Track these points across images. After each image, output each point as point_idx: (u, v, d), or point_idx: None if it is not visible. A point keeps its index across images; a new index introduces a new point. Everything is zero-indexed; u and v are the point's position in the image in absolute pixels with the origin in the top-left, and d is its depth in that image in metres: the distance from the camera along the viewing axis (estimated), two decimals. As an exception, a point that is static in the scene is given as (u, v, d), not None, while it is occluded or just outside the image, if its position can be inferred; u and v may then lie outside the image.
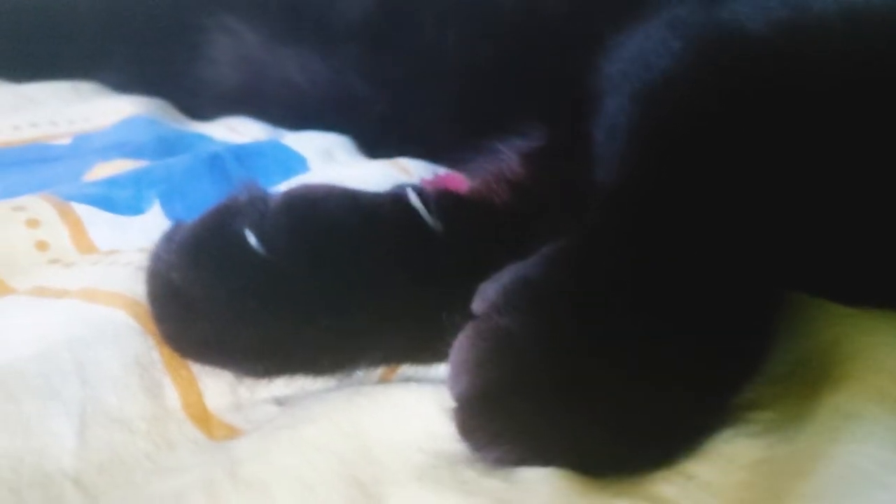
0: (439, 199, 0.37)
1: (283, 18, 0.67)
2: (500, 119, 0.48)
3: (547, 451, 0.30)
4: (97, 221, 0.44)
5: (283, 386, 0.35)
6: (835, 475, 0.25)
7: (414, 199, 0.36)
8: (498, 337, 0.30)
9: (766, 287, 0.32)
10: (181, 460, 0.31)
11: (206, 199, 0.43)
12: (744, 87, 0.33)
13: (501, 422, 0.30)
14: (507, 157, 0.46)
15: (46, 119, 0.63)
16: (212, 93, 0.70)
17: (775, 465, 0.28)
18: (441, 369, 0.36)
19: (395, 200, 0.36)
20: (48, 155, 0.58)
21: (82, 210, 0.44)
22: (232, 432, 0.33)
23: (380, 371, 0.36)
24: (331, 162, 0.57)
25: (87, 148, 0.59)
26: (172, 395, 0.33)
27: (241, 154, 0.54)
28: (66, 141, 0.61)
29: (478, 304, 0.32)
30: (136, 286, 0.35)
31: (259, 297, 0.32)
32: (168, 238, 0.33)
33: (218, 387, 0.34)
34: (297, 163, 0.55)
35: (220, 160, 0.52)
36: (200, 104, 0.70)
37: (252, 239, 0.33)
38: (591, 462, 0.30)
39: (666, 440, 0.30)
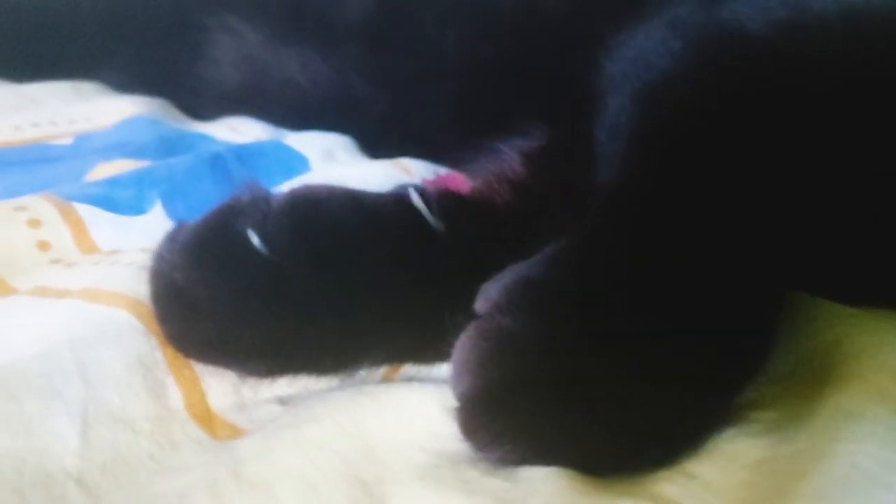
0: (441, 199, 0.37)
1: (285, 18, 0.67)
2: (500, 119, 0.48)
3: (549, 451, 0.30)
4: (99, 221, 0.44)
5: (286, 386, 0.35)
6: (837, 475, 0.25)
7: (416, 199, 0.36)
8: (500, 337, 0.30)
9: (768, 287, 0.32)
10: (184, 460, 0.31)
11: (207, 199, 0.43)
12: (744, 87, 0.33)
13: (503, 421, 0.30)
14: (509, 157, 0.46)
15: (47, 119, 0.63)
16: (213, 92, 0.70)
17: (777, 465, 0.28)
18: (443, 369, 0.36)
19: (397, 201, 0.36)
20: (49, 155, 0.59)
21: (84, 210, 0.44)
22: (235, 432, 0.33)
23: (382, 371, 0.36)
24: (332, 162, 0.57)
25: (88, 148, 0.60)
26: (176, 395, 0.33)
27: (243, 154, 0.54)
28: (68, 141, 0.61)
29: (480, 304, 0.32)
30: (139, 286, 0.35)
31: (262, 297, 0.32)
32: (171, 238, 0.33)
33: (221, 387, 0.34)
34: (298, 163, 0.55)
35: (221, 160, 0.53)
36: (202, 104, 0.70)
37: (255, 239, 0.33)
38: (593, 462, 0.30)
39: (668, 440, 0.30)
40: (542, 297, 0.31)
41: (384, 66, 0.61)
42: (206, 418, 0.33)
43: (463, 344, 0.31)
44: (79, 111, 0.65)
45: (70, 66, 0.74)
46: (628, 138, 0.37)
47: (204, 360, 0.34)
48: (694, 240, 0.32)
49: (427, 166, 0.55)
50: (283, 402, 0.34)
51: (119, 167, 0.53)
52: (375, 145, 0.61)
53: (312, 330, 0.33)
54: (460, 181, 0.49)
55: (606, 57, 0.41)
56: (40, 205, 0.43)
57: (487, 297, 0.32)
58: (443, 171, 0.55)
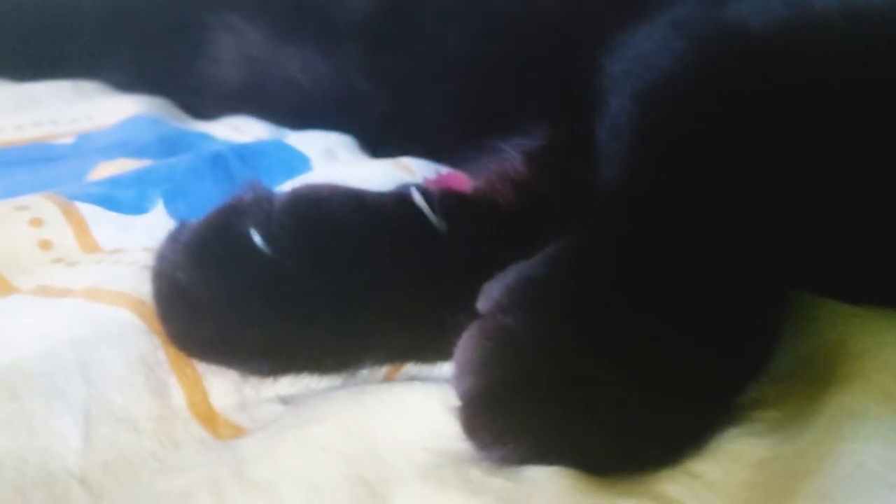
0: (443, 198, 0.37)
1: (286, 17, 0.67)
2: (502, 118, 0.48)
3: (551, 450, 0.30)
4: (101, 221, 0.44)
5: (288, 385, 0.35)
6: (841, 475, 0.25)
7: (418, 198, 0.36)
8: (502, 336, 0.30)
9: (771, 286, 0.32)
10: (187, 460, 0.31)
11: (209, 198, 0.43)
12: (745, 87, 0.33)
13: (506, 421, 0.30)
14: (510, 156, 0.46)
15: (49, 118, 0.63)
16: (214, 91, 0.70)
17: (780, 465, 0.28)
18: (445, 368, 0.36)
19: (399, 200, 0.36)
20: (51, 154, 0.59)
21: (86, 209, 0.44)
22: (237, 431, 0.33)
23: (384, 370, 0.36)
24: (334, 161, 0.57)
25: (90, 147, 0.60)
26: (178, 395, 0.33)
27: (245, 153, 0.54)
28: (69, 140, 0.61)
29: (482, 304, 0.32)
30: (141, 285, 0.35)
31: (264, 296, 0.32)
32: (173, 238, 0.33)
33: (223, 386, 0.34)
34: (300, 162, 0.55)
35: (223, 159, 0.52)
36: (203, 103, 0.70)
37: (257, 238, 0.33)
38: (595, 461, 0.30)
39: (670, 439, 0.30)
40: (545, 296, 0.31)
41: (385, 65, 0.61)
42: (208, 418, 0.33)
43: (465, 343, 0.31)
44: (80, 110, 0.66)
45: (71, 65, 0.74)
46: (630, 138, 0.37)
47: (206, 360, 0.34)
48: (696, 239, 0.32)
49: (428, 165, 0.55)
50: (285, 401, 0.34)
51: (121, 166, 0.53)
52: (376, 144, 0.61)
53: (315, 329, 0.33)
54: (462, 180, 0.49)
55: (608, 56, 0.41)
56: (42, 204, 0.43)
57: (489, 296, 0.32)
58: (444, 170, 0.55)
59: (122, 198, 0.46)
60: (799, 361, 0.33)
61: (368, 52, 0.62)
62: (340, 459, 0.30)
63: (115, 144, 0.59)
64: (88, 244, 0.43)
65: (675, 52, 0.37)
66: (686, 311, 0.31)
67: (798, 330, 0.34)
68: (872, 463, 0.26)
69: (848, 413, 0.28)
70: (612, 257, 0.32)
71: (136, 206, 0.46)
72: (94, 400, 0.31)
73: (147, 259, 0.35)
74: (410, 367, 0.37)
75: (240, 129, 0.64)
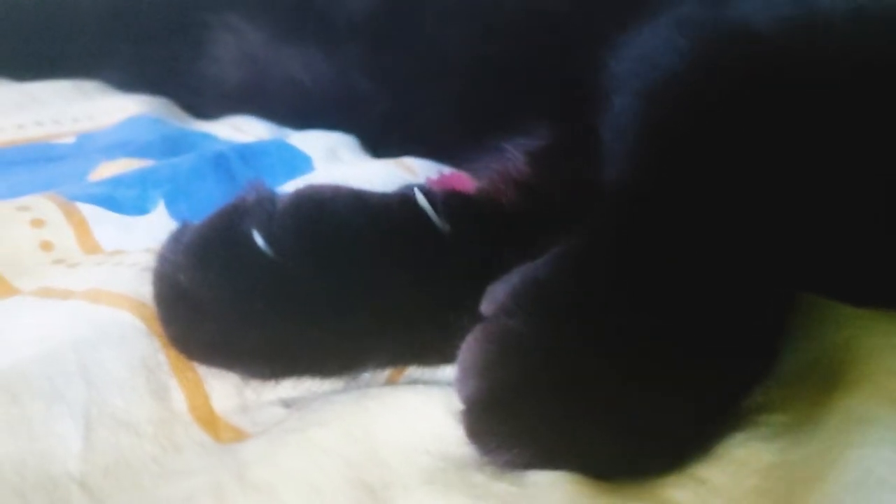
0: (447, 199, 0.37)
1: (286, 16, 0.67)
2: (504, 118, 0.48)
3: (556, 455, 0.30)
4: (102, 221, 0.44)
5: (290, 388, 0.34)
6: (849, 481, 0.25)
7: (421, 199, 0.36)
8: (506, 339, 0.30)
9: (776, 287, 0.32)
10: (188, 463, 0.31)
11: (210, 199, 0.43)
12: (750, 87, 0.33)
13: (510, 425, 0.29)
14: (513, 157, 0.45)
15: (51, 118, 0.63)
16: (215, 91, 0.69)
17: (788, 470, 0.28)
18: (448, 371, 0.35)
19: (402, 201, 0.36)
20: (52, 154, 0.58)
21: (87, 210, 0.44)
22: (239, 435, 0.33)
23: (387, 373, 0.36)
24: (336, 161, 0.57)
25: (91, 147, 0.59)
26: (179, 398, 0.33)
27: (246, 153, 0.54)
28: (71, 140, 0.61)
29: (486, 306, 0.31)
30: (142, 287, 0.34)
31: (266, 298, 0.32)
32: (175, 239, 0.33)
33: (224, 389, 0.34)
34: (302, 162, 0.55)
35: (224, 160, 0.52)
36: (204, 102, 0.70)
37: (259, 240, 0.32)
38: (601, 466, 0.29)
39: (676, 444, 0.30)
40: (550, 298, 0.31)
41: (386, 64, 0.61)
42: (209, 421, 0.33)
43: (469, 346, 0.30)
44: (81, 110, 0.65)
45: (72, 64, 0.74)
46: (634, 137, 0.36)
47: (207, 363, 0.34)
48: (702, 240, 0.31)
49: (431, 165, 0.55)
50: (286, 404, 0.34)
51: (122, 166, 0.53)
52: (377, 144, 0.61)
53: (316, 332, 0.33)
54: (465, 181, 0.49)
55: (611, 56, 0.41)
56: (43, 205, 0.43)
57: (494, 298, 0.31)
58: (447, 170, 0.55)
59: (123, 198, 0.46)
60: (805, 365, 0.33)
61: (369, 52, 0.62)
62: (342, 463, 0.30)
63: (117, 144, 0.59)
64: (89, 245, 0.43)
65: (681, 51, 0.37)
66: (693, 313, 0.30)
67: (803, 333, 0.34)
68: (882, 468, 0.25)
69: (856, 418, 0.28)
70: (619, 259, 0.32)
71: (138, 207, 0.46)
72: (94, 402, 0.31)
73: (148, 260, 0.34)
74: (413, 371, 0.36)
75: (241, 129, 0.64)
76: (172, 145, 0.59)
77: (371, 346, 0.35)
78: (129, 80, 0.72)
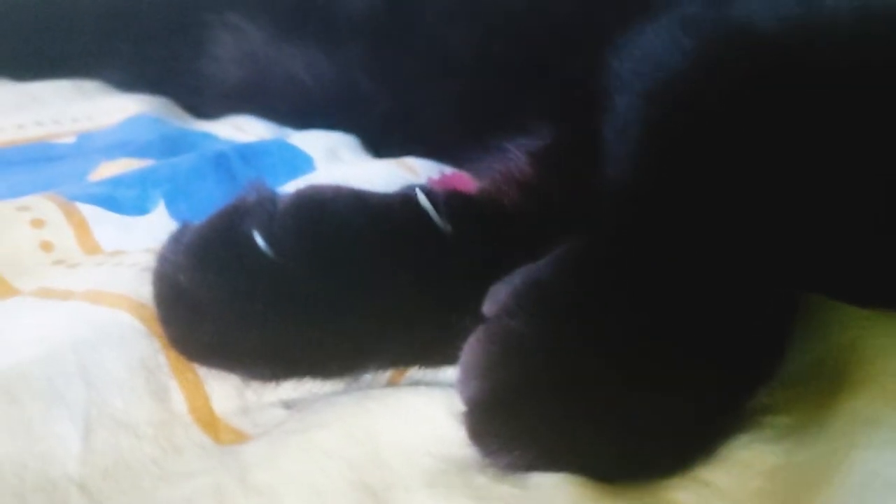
0: (448, 199, 0.37)
1: (287, 15, 0.66)
2: (506, 118, 0.48)
3: (559, 457, 0.29)
4: (102, 222, 0.44)
5: (290, 389, 0.34)
6: (855, 483, 0.25)
7: (423, 200, 0.36)
8: (509, 340, 0.30)
9: (780, 288, 0.32)
10: (188, 465, 0.31)
11: (211, 199, 0.43)
12: (754, 87, 0.33)
13: (512, 426, 0.29)
14: (515, 157, 0.45)
15: (51, 118, 0.63)
16: (216, 90, 0.69)
17: (792, 472, 0.28)
18: (450, 373, 0.35)
19: (403, 201, 0.36)
20: (52, 154, 0.58)
21: (87, 210, 0.44)
22: (239, 436, 0.33)
23: (388, 374, 0.36)
24: (337, 161, 0.56)
25: (91, 147, 0.59)
26: (179, 399, 0.33)
27: (247, 153, 0.54)
28: (71, 140, 0.61)
29: (488, 307, 0.31)
30: (142, 288, 0.34)
31: (267, 299, 0.32)
32: (175, 239, 0.33)
33: (225, 390, 0.34)
34: (303, 162, 0.55)
35: (225, 159, 0.52)
36: (204, 102, 0.70)
37: (260, 240, 0.32)
38: (604, 468, 0.29)
39: (680, 446, 0.30)
40: (552, 299, 0.31)
41: (388, 64, 0.61)
42: (209, 422, 0.33)
43: (471, 347, 0.30)
44: (81, 110, 0.65)
45: (71, 64, 0.74)
46: (637, 137, 0.36)
47: (207, 364, 0.33)
48: (706, 240, 0.31)
49: (432, 166, 0.55)
50: (287, 406, 0.34)
51: (122, 166, 0.53)
52: (378, 144, 0.61)
53: (317, 333, 0.33)
54: (466, 181, 0.49)
55: (614, 55, 0.40)
56: (43, 205, 0.43)
57: (496, 299, 0.31)
58: (448, 170, 0.54)
59: (123, 198, 0.46)
60: (810, 366, 0.33)
61: (370, 51, 0.62)
62: (344, 465, 0.30)
63: (117, 144, 0.59)
64: (89, 245, 0.43)
65: (685, 50, 0.37)
66: (697, 314, 0.30)
67: (808, 334, 0.34)
68: (887, 471, 0.25)
69: (861, 419, 0.28)
70: (621, 260, 0.32)
71: (138, 207, 0.46)
72: (94, 403, 0.31)
73: (148, 261, 0.34)
74: (415, 372, 0.36)
75: (242, 129, 0.64)
76: (172, 145, 0.58)
77: (372, 347, 0.34)
78: (129, 79, 0.72)
